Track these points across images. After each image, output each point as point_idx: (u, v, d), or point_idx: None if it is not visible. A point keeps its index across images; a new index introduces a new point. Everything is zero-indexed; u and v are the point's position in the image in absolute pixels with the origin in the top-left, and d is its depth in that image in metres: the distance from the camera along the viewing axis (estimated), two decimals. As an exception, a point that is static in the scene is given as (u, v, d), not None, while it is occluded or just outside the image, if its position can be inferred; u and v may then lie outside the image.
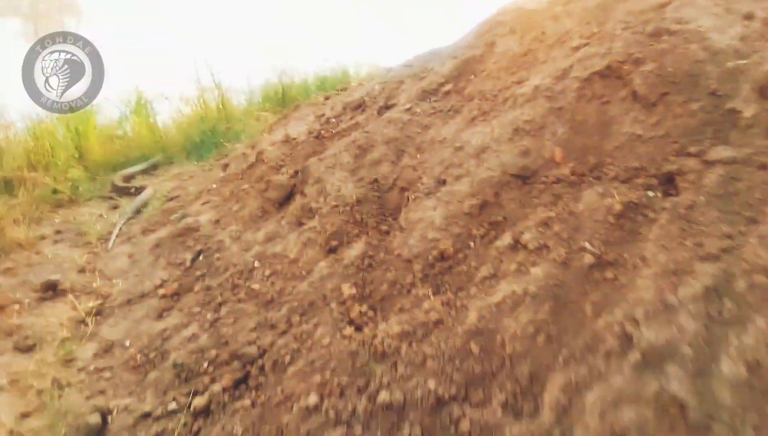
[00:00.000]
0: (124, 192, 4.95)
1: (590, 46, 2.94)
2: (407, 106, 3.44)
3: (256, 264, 3.03)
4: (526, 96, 2.85)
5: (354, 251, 2.71)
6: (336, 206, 2.98)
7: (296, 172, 3.49)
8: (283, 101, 6.82)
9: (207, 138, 5.98)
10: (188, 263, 3.33)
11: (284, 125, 4.87)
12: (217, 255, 3.30)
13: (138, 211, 4.53)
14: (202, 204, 4.02)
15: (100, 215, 4.55)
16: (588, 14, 3.29)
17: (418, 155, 3.02)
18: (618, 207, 2.17)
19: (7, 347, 2.96)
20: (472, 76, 3.45)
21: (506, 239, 2.34)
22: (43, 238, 4.17)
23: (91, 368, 2.77)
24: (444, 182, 2.75)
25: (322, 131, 3.99)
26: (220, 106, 6.41)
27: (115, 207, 4.72)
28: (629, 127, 2.52)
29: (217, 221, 3.65)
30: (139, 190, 4.94)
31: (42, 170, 5.05)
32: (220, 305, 2.86)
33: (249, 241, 3.28)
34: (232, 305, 2.83)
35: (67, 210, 4.68)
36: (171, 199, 4.50)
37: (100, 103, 6.91)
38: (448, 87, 3.46)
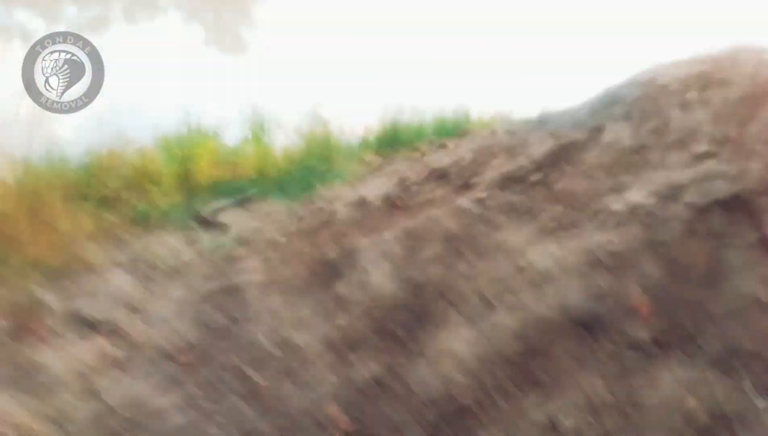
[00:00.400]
0: (208, 225, 4.90)
1: (719, 159, 2.24)
2: (483, 194, 2.93)
3: (276, 353, 2.70)
4: (618, 216, 2.22)
5: (368, 371, 2.27)
6: (370, 308, 2.56)
7: (350, 252, 3.13)
8: (393, 144, 6.51)
9: (305, 176, 5.83)
10: (220, 331, 3.10)
11: (372, 180, 4.55)
12: (248, 327, 3.03)
13: (213, 251, 4.43)
14: (263, 260, 3.80)
15: (176, 248, 4.52)
16: (728, 109, 2.56)
17: (476, 263, 2.51)
18: (703, 418, 1.51)
19: (13, 384, 2.89)
20: (568, 167, 2.85)
21: (541, 413, 1.77)
22: (114, 263, 4.19)
23: (74, 432, 2.60)
24: (492, 308, 2.22)
25: (397, 200, 3.61)
26: (324, 143, 6.24)
27: (194, 241, 4.67)
28: (751, 287, 1.82)
29: (265, 286, 3.39)
30: (223, 226, 4.86)
31: (141, 191, 5.18)
32: (223, 395, 2.57)
33: (282, 319, 2.96)
34: (233, 399, 2.52)
35: (151, 236, 4.67)
36: (244, 243, 4.35)
37: (227, 124, 7.11)
38: (536, 177, 2.90)
